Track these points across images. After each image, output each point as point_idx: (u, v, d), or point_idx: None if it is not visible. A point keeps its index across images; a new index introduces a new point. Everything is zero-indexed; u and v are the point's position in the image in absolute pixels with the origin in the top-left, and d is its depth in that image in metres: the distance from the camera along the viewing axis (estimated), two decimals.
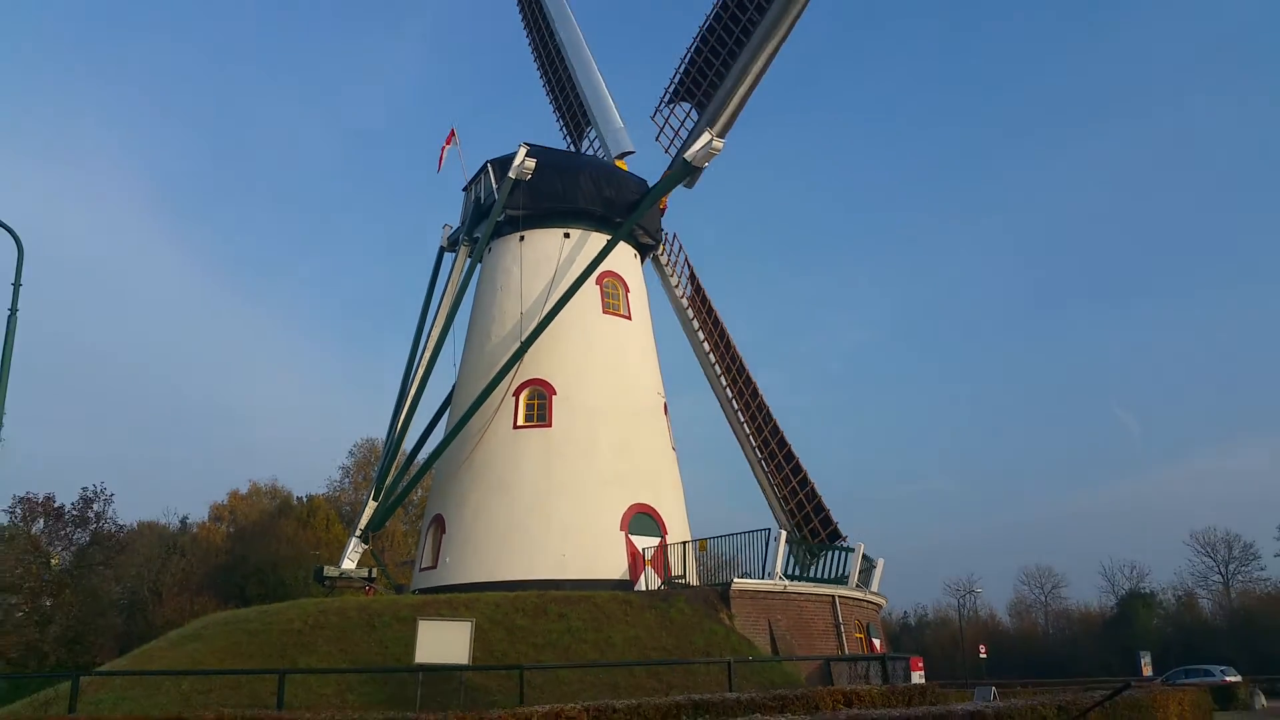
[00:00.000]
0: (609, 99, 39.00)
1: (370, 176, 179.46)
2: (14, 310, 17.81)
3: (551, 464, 30.96)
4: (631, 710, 14.08)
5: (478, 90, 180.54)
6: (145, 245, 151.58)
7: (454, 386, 35.86)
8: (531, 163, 33.63)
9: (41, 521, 43.25)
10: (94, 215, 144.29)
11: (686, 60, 33.26)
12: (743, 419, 34.56)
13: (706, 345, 35.68)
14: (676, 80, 33.71)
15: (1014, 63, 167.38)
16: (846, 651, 27.38)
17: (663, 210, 36.81)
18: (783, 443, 33.90)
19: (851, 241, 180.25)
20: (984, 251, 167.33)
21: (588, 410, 31.81)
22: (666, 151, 34.72)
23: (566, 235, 34.40)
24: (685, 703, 14.32)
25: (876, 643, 30.42)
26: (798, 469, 33.63)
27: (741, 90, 32.37)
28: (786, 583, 27.63)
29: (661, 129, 34.46)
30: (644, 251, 37.20)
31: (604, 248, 32.62)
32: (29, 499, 42.83)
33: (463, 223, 37.22)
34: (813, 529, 32.48)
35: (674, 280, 37.09)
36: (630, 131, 38.35)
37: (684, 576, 29.13)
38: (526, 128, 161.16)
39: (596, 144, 39.66)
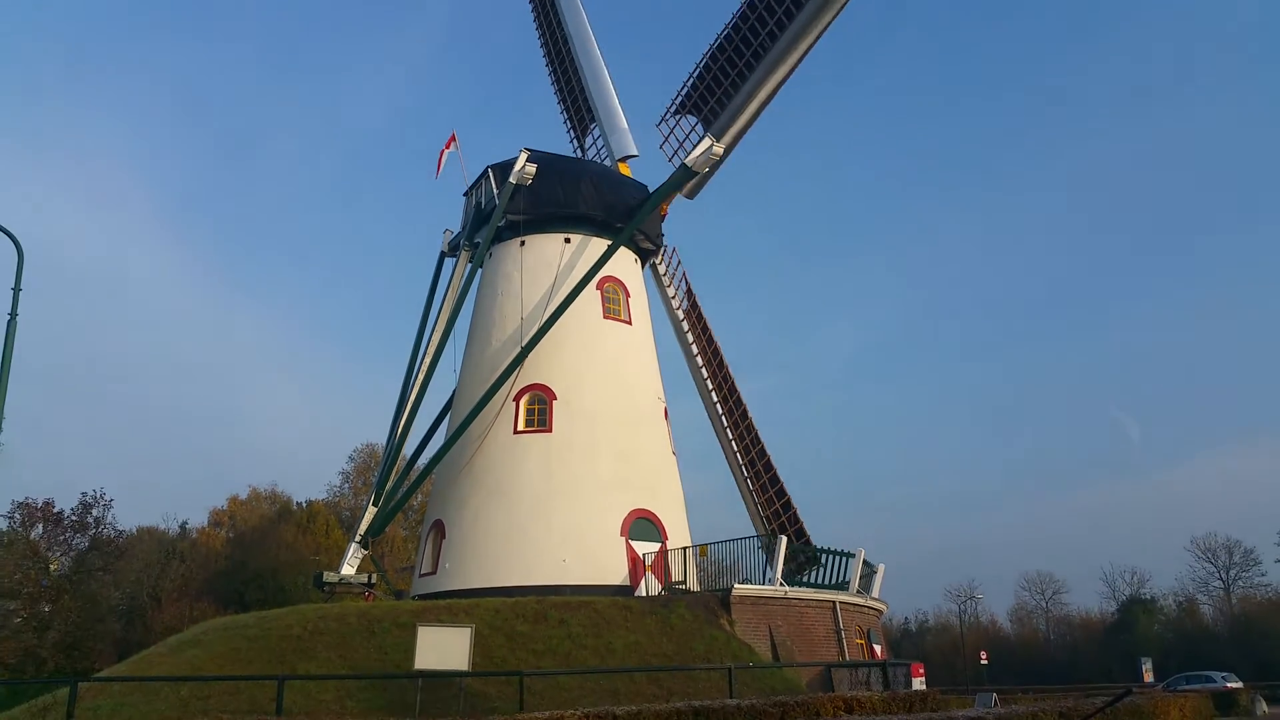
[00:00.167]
0: (615, 100, 39.02)
1: (371, 181, 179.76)
2: (14, 315, 17.79)
3: (552, 469, 30.90)
4: (632, 716, 14.05)
5: (479, 95, 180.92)
6: (145, 250, 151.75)
7: (454, 391, 35.81)
8: (532, 168, 33.61)
9: (41, 527, 43.22)
10: (94, 219, 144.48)
11: (695, 75, 33.14)
12: (729, 433, 34.60)
13: (700, 360, 35.67)
14: (684, 93, 33.59)
15: (1017, 62, 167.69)
16: (847, 657, 27.32)
17: (663, 215, 36.77)
18: (762, 453, 34.05)
19: (851, 245, 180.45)
20: (985, 255, 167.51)
21: (588, 415, 31.76)
22: (670, 161, 34.75)
23: (567, 240, 34.38)
24: (686, 709, 14.30)
25: (877, 649, 30.35)
26: (775, 478, 33.78)
27: (748, 112, 32.34)
28: (787, 588, 27.58)
29: (666, 138, 34.47)
30: (645, 256, 37.17)
31: (605, 253, 32.60)
32: (28, 504, 42.83)
33: (463, 228, 37.20)
34: (783, 528, 32.47)
35: (671, 292, 37.02)
36: (634, 136, 38.52)
37: (684, 582, 29.07)
38: (528, 132, 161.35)
39: (600, 142, 39.67)
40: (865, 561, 31.15)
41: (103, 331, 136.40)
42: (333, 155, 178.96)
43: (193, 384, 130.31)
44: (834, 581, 29.88)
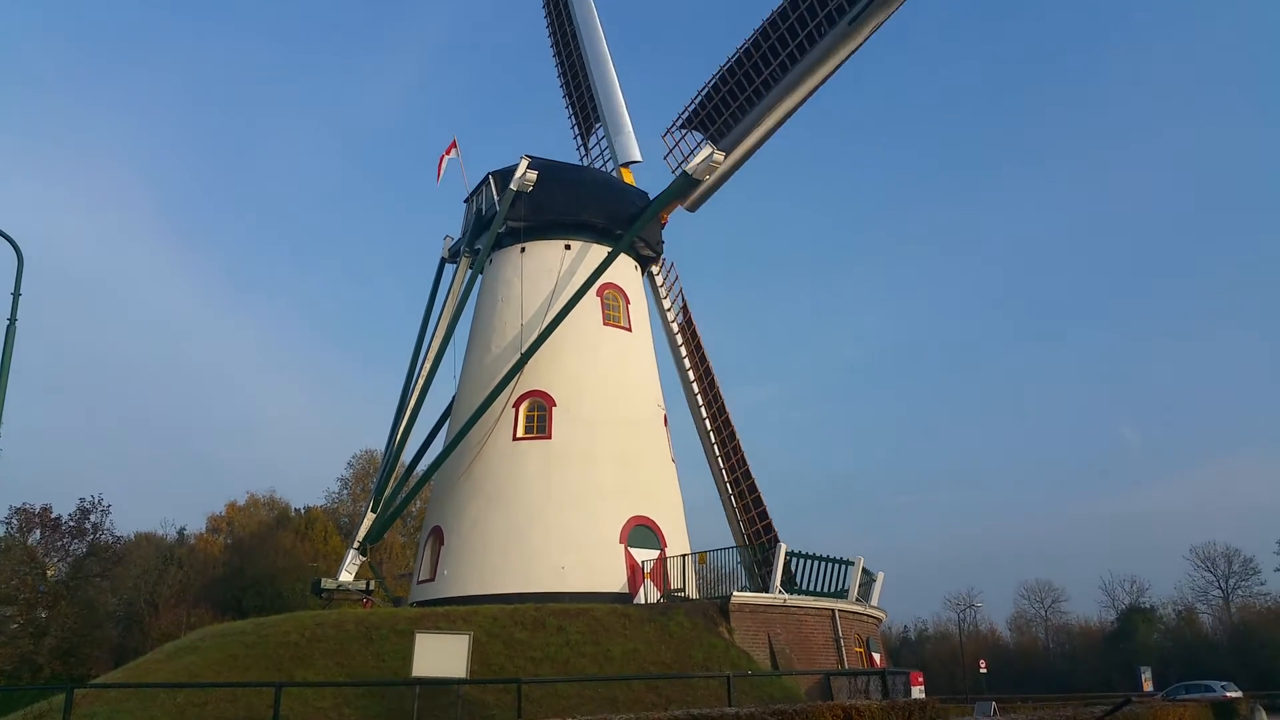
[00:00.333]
0: (621, 103, 38.91)
1: (372, 185, 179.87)
2: (13, 320, 17.74)
3: (551, 476, 30.84)
4: None
5: (481, 101, 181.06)
6: (145, 254, 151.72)
7: (454, 398, 35.76)
8: (533, 175, 33.61)
9: (38, 532, 43.14)
10: (94, 222, 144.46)
11: (704, 93, 32.90)
12: (716, 448, 34.64)
13: (692, 375, 35.66)
14: (691, 109, 33.29)
15: (1007, 84, 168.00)
16: (846, 666, 27.22)
17: (664, 224, 36.74)
18: (747, 472, 34.10)
19: (849, 254, 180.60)
20: (984, 264, 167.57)
21: (588, 422, 31.71)
22: (674, 172, 34.57)
23: (567, 247, 34.36)
24: (684, 717, 14.18)
25: (876, 657, 30.26)
26: (755, 492, 33.83)
27: (755, 136, 32.24)
28: (786, 596, 27.49)
29: (671, 150, 34.13)
30: (645, 264, 37.14)
31: (605, 260, 32.59)
32: (26, 509, 42.74)
33: (464, 234, 37.18)
34: (761, 545, 32.50)
35: (667, 304, 36.90)
36: (640, 143, 38.46)
37: (683, 589, 28.99)
38: (529, 138, 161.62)
39: (604, 144, 39.57)
40: (864, 569, 31.06)
41: (101, 336, 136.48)
42: (333, 159, 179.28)
43: (192, 389, 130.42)
44: (833, 589, 29.79)
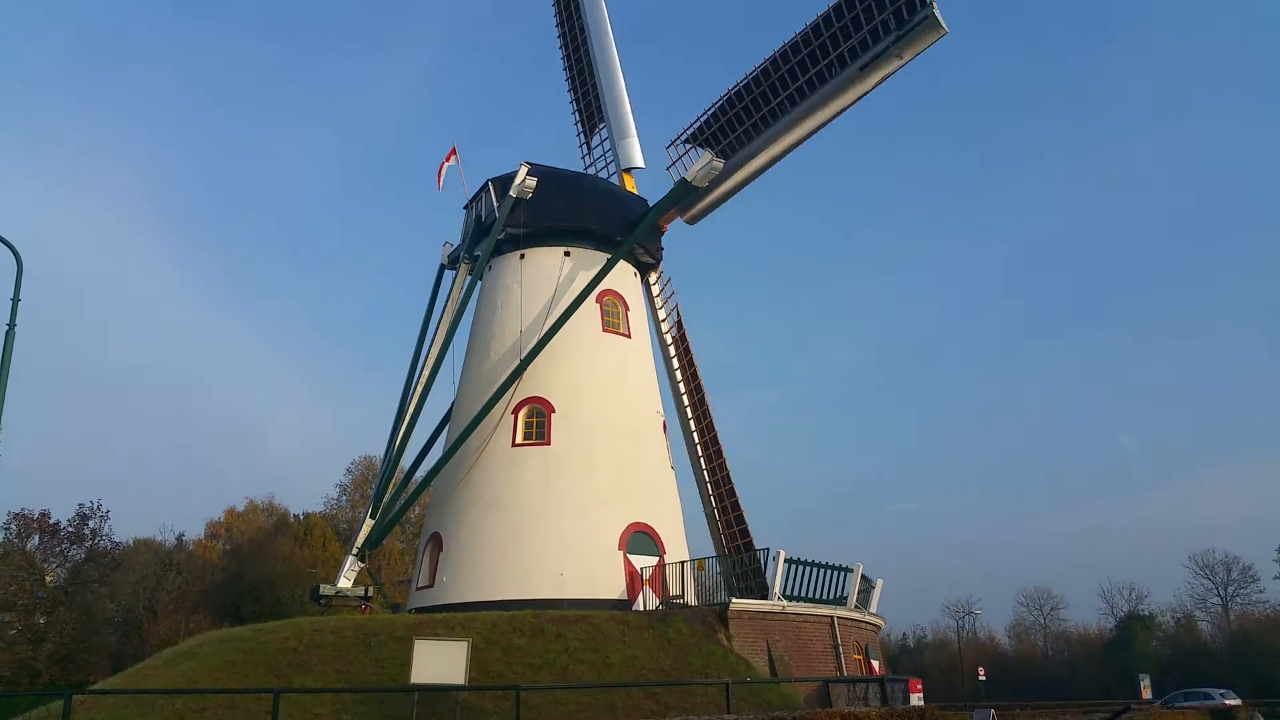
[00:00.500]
0: (627, 106, 38.77)
1: (371, 190, 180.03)
2: (12, 325, 17.79)
3: (550, 482, 30.84)
4: None
5: (482, 102, 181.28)
6: (144, 258, 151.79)
7: (453, 404, 35.78)
8: (532, 181, 33.66)
9: (37, 538, 43.09)
10: (94, 227, 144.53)
11: (711, 112, 32.75)
12: (702, 461, 34.75)
13: (682, 387, 35.71)
14: (698, 125, 32.95)
15: (1005, 90, 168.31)
16: (845, 673, 27.22)
17: (663, 231, 36.77)
18: (731, 489, 34.17)
19: (847, 262, 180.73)
20: (982, 271, 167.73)
21: (587, 428, 31.72)
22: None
23: (567, 254, 34.40)
24: None
25: (875, 664, 30.25)
26: (736, 506, 33.91)
27: (759, 162, 32.17)
28: (785, 603, 27.49)
29: (674, 162, 33.87)
30: (644, 270, 37.18)
31: (604, 266, 32.61)
32: (24, 515, 42.72)
33: (463, 240, 37.22)
34: (740, 559, 32.62)
35: (662, 315, 36.91)
36: (644, 151, 38.36)
37: (682, 596, 28.98)
38: (530, 145, 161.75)
39: (607, 145, 39.45)
40: (863, 576, 31.08)
41: (100, 340, 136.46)
42: (334, 162, 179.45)
43: (191, 395, 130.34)
44: (832, 596, 29.80)
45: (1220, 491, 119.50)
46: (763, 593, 28.50)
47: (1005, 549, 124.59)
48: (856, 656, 28.94)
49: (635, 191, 37.80)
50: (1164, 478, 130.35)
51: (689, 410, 35.22)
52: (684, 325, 36.46)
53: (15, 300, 18.04)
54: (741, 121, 32.19)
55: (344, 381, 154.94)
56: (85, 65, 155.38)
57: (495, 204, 34.54)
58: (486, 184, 35.62)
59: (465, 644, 19.28)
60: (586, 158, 40.81)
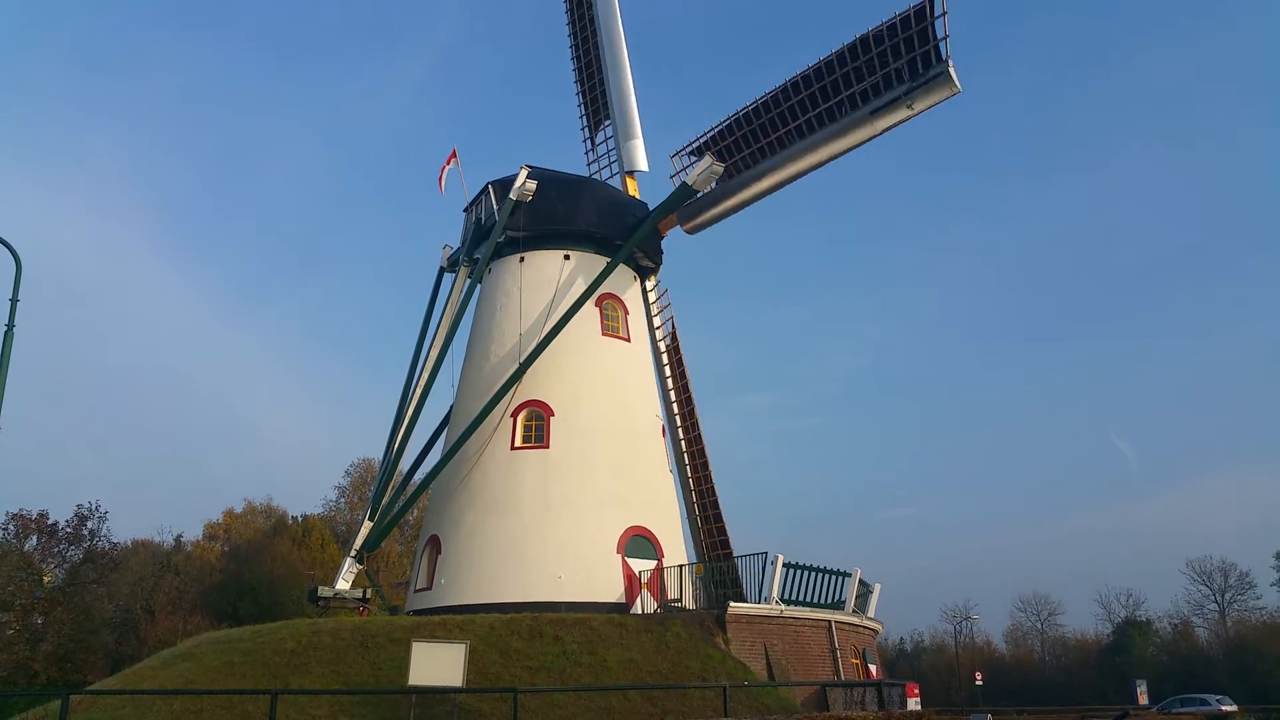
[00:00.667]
0: (634, 106, 38.54)
1: (368, 195, 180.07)
2: (11, 326, 17.83)
3: (549, 485, 30.86)
4: None
5: (483, 104, 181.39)
6: (143, 259, 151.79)
7: (452, 407, 35.80)
8: (532, 184, 33.69)
9: (35, 538, 43.02)
10: (93, 229, 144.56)
11: (718, 129, 32.74)
12: (688, 470, 34.95)
13: (672, 395, 35.83)
14: (705, 139, 32.79)
15: (1008, 93, 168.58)
16: (842, 677, 27.22)
17: (663, 235, 36.79)
18: (715, 499, 34.45)
19: (847, 267, 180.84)
20: (982, 273, 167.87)
21: (585, 432, 31.75)
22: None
23: (567, 257, 34.44)
24: None
25: (873, 668, 30.27)
26: (719, 517, 34.18)
27: (762, 185, 32.15)
28: (783, 607, 27.51)
29: (678, 172, 33.77)
30: (644, 274, 37.21)
31: (603, 270, 32.65)
32: (23, 515, 42.64)
33: (463, 243, 37.26)
34: (718, 559, 32.93)
35: (657, 323, 36.95)
36: (649, 158, 38.26)
37: (680, 600, 28.99)
38: (532, 143, 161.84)
39: (611, 143, 39.27)
40: (861, 581, 31.09)
41: (98, 342, 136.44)
42: (333, 166, 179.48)
43: (190, 396, 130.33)
44: (830, 601, 29.82)
45: (1217, 498, 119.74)
46: (739, 601, 28.71)
47: (1003, 554, 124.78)
48: (854, 661, 28.95)
49: (637, 195, 37.82)
50: (1161, 484, 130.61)
51: (678, 420, 35.40)
52: (678, 336, 36.61)
53: (14, 301, 18.09)
54: (748, 144, 32.21)
55: (343, 384, 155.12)
56: (86, 69, 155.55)
57: (495, 207, 34.57)
58: (486, 187, 35.66)
59: (463, 646, 19.30)
60: (590, 153, 40.62)
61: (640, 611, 28.56)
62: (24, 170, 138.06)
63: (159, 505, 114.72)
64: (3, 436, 17.15)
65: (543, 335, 31.70)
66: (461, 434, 31.57)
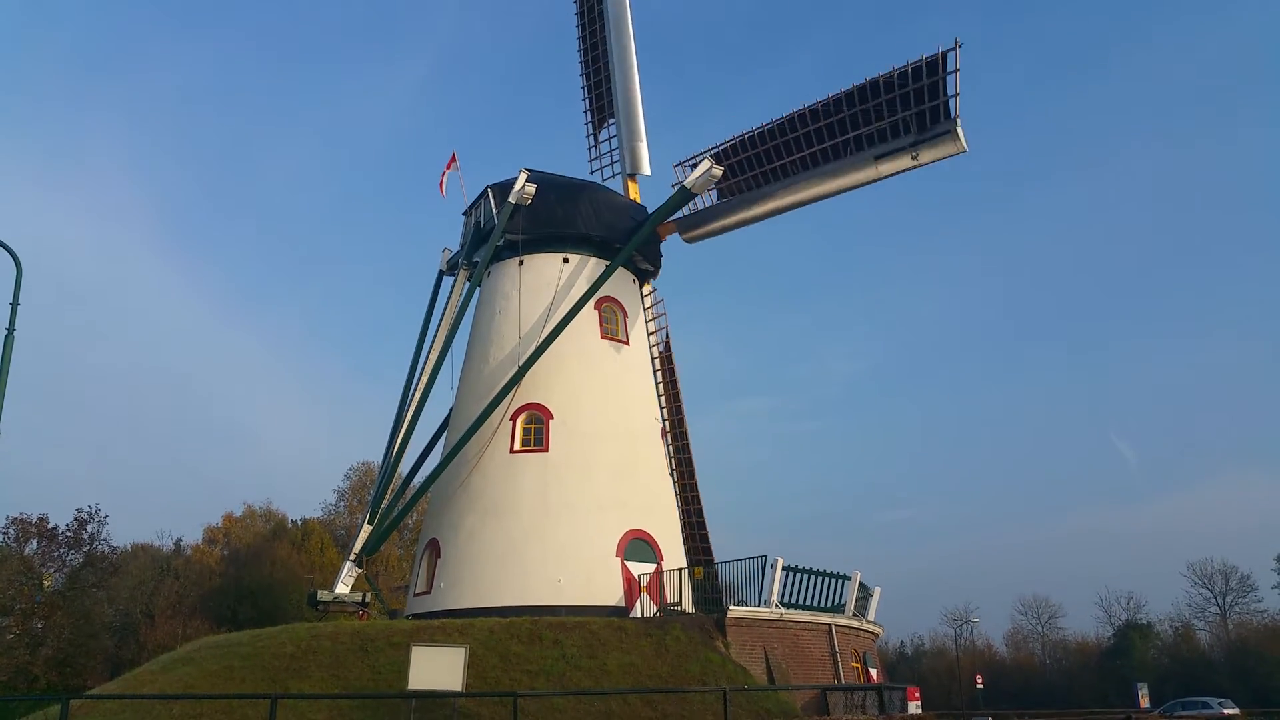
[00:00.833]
0: (639, 107, 38.32)
1: (367, 197, 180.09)
2: (11, 329, 17.82)
3: (548, 489, 30.84)
4: None
5: (481, 110, 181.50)
6: (143, 262, 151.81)
7: (451, 410, 35.78)
8: (531, 188, 33.68)
9: (35, 542, 43.02)
10: (93, 233, 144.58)
11: (724, 147, 32.65)
12: (674, 477, 34.97)
13: (662, 401, 35.86)
14: (710, 154, 32.78)
15: (1007, 96, 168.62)
16: (843, 681, 27.17)
17: (662, 239, 36.77)
18: (700, 508, 34.69)
19: (847, 270, 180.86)
20: (982, 277, 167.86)
21: (585, 435, 31.73)
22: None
23: (566, 260, 34.44)
24: None
25: (873, 672, 30.22)
26: (703, 525, 34.39)
27: (764, 208, 32.25)
28: (783, 611, 27.47)
29: (680, 182, 33.42)
30: (643, 278, 37.19)
31: (603, 273, 32.65)
32: (22, 519, 42.66)
33: (462, 246, 37.26)
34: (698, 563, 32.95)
35: (651, 329, 36.90)
36: (653, 164, 38.15)
37: (680, 603, 28.95)
38: (533, 146, 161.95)
39: (614, 143, 39.03)
40: (861, 584, 31.04)
41: (98, 346, 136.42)
42: (333, 168, 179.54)
43: (189, 400, 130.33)
44: (830, 604, 29.78)
45: (1218, 500, 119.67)
46: (711, 603, 28.85)
47: (1003, 557, 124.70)
48: (854, 664, 28.90)
49: (638, 199, 37.74)
50: (1162, 486, 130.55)
51: (666, 426, 35.47)
52: (670, 344, 36.75)
53: (14, 304, 18.08)
54: (751, 166, 32.31)
55: (342, 387, 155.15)
56: (86, 69, 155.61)
57: (494, 210, 34.57)
58: (485, 190, 35.66)
59: (463, 650, 19.28)
60: (593, 149, 40.13)
61: (640, 615, 28.52)
62: (23, 171, 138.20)
63: (158, 509, 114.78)
64: (2, 440, 17.15)
65: (542, 338, 31.70)
66: (461, 437, 31.55)
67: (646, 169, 37.96)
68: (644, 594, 29.45)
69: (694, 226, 34.64)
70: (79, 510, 44.18)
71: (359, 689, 21.53)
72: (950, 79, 27.32)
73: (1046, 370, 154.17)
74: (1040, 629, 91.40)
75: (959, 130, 27.18)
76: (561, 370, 32.24)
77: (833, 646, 27.99)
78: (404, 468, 37.74)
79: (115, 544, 47.43)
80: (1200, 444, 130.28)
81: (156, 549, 60.78)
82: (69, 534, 43.52)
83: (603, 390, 32.89)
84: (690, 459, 34.99)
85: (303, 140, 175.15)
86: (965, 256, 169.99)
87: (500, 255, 34.95)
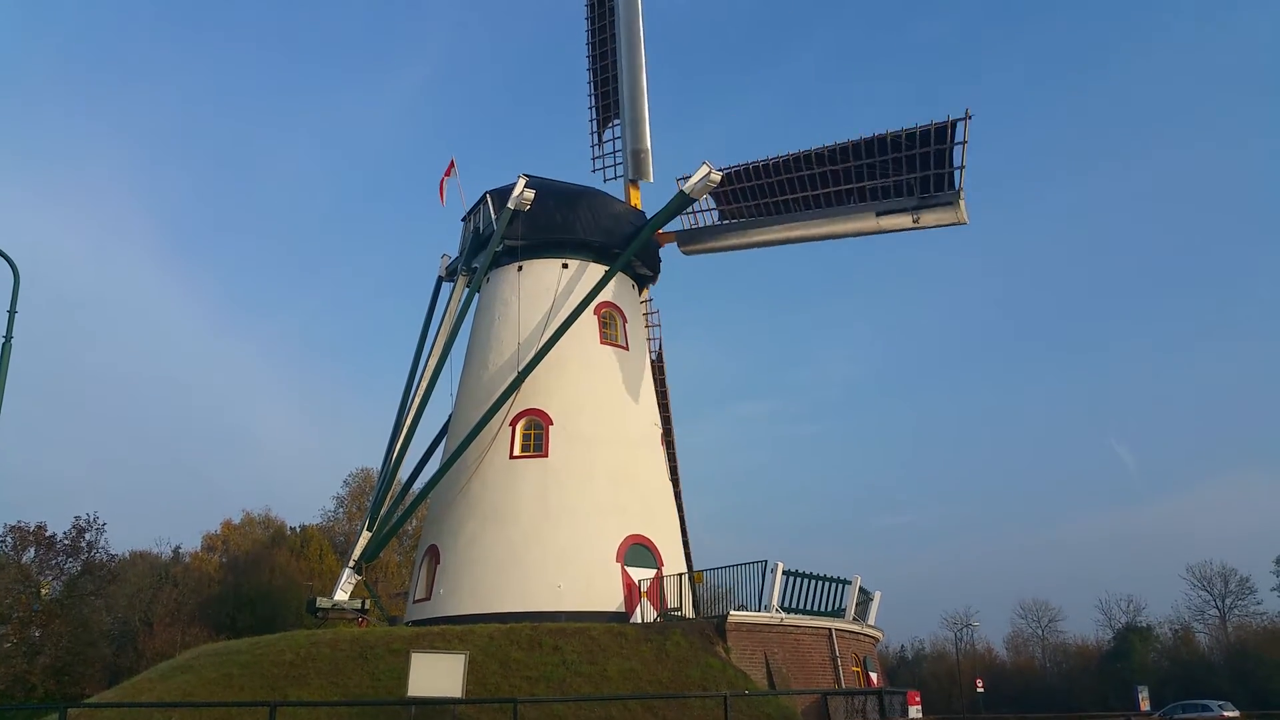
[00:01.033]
0: (645, 110, 37.87)
1: (366, 204, 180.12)
2: (9, 336, 17.79)
3: (548, 494, 30.81)
4: None
5: (480, 116, 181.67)
6: (143, 272, 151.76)
7: (450, 416, 35.75)
8: (530, 193, 33.69)
9: (33, 550, 42.94)
10: (91, 239, 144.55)
11: (729, 172, 32.51)
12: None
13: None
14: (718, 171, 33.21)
15: (1006, 97, 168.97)
16: (843, 685, 27.14)
17: (661, 245, 36.75)
18: (682, 518, 35.11)
19: (847, 274, 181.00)
20: (981, 279, 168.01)
21: (585, 440, 31.71)
22: (681, 221, 34.57)
23: (565, 266, 34.43)
24: None
25: (874, 676, 30.16)
26: (684, 530, 34.89)
27: (764, 236, 32.60)
28: (783, 615, 27.43)
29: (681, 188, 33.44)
30: (642, 283, 37.20)
31: (601, 279, 32.65)
32: (20, 527, 42.57)
33: (461, 252, 37.24)
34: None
35: (646, 336, 36.94)
36: (655, 169, 37.97)
37: (680, 608, 28.91)
38: (533, 148, 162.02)
39: (618, 144, 38.76)
40: (861, 588, 31.01)
41: (96, 353, 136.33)
42: (332, 174, 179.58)
43: (188, 407, 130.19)
44: (830, 608, 29.75)
45: (1217, 503, 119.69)
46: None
47: (1003, 560, 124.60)
48: (855, 669, 28.86)
49: (639, 204, 37.64)
50: (1161, 489, 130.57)
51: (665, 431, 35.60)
52: (664, 358, 36.85)
53: (12, 312, 18.05)
54: (751, 196, 32.47)
55: (341, 394, 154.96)
56: (84, 76, 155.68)
57: (493, 216, 34.58)
58: (485, 196, 35.67)
59: (462, 657, 19.25)
60: (596, 148, 39.86)
61: (640, 620, 28.47)
62: (21, 178, 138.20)
63: (157, 517, 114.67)
64: (1, 447, 17.11)
65: (541, 344, 31.69)
66: (460, 443, 31.51)
67: (650, 175, 37.69)
68: (644, 599, 29.40)
69: (692, 241, 34.82)
70: (77, 518, 44.14)
71: (358, 696, 21.48)
72: (958, 150, 27.41)
73: (1046, 372, 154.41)
74: (1040, 632, 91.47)
75: (961, 204, 27.54)
76: (561, 376, 32.22)
77: (833, 651, 27.95)
78: (403, 474, 37.68)
79: (113, 552, 47.42)
80: (1199, 446, 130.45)
81: (155, 556, 60.64)
82: (67, 542, 43.43)
83: (602, 395, 32.87)
84: (675, 468, 35.25)
85: (302, 146, 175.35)
86: (965, 258, 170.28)
87: (499, 261, 34.93)
